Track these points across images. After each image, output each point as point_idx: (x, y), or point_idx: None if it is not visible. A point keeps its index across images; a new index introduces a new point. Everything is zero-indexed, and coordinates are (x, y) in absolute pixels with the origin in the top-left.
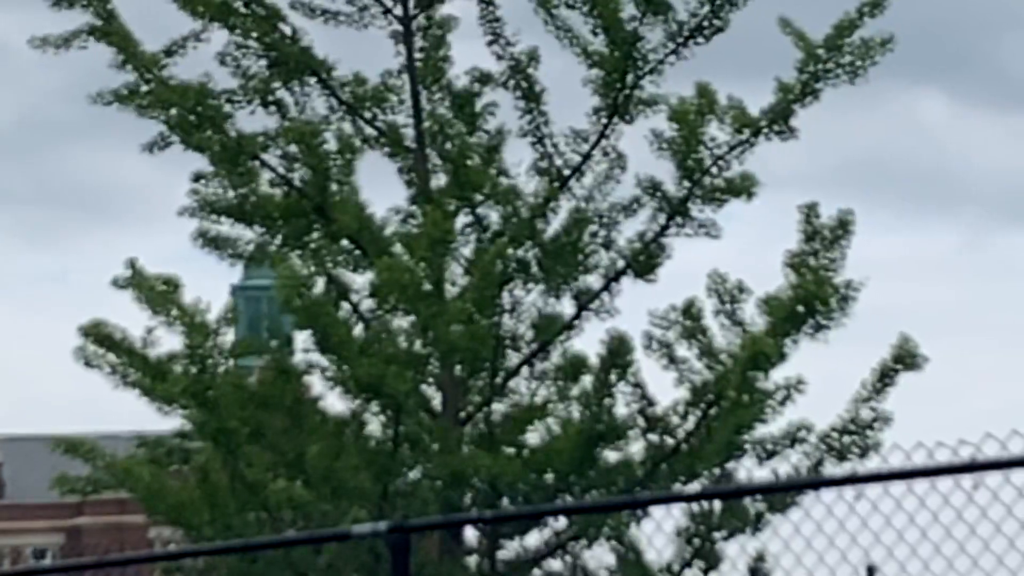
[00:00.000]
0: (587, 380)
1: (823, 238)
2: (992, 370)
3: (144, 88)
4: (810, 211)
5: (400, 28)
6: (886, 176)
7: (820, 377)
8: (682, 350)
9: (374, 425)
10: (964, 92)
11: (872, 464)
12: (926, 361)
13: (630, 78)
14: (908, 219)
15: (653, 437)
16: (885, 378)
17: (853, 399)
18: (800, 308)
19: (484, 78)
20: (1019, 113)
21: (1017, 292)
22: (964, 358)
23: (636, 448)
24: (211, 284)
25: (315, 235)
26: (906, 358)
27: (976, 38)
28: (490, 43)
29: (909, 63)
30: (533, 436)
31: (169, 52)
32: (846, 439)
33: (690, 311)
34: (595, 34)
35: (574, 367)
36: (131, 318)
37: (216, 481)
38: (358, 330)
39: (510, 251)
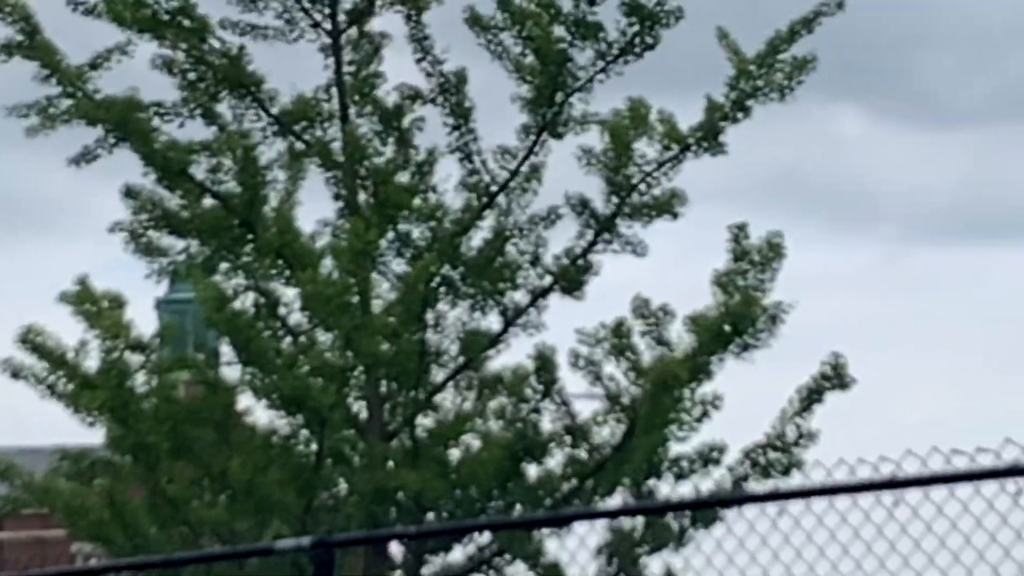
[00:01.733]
0: (513, 396)
1: (752, 260)
2: (911, 386)
3: (68, 102)
4: (739, 231)
5: (329, 42)
6: (807, 191)
7: (745, 393)
8: (610, 367)
9: (298, 439)
10: (881, 109)
11: (795, 481)
12: (854, 381)
13: (559, 96)
14: (828, 234)
15: (577, 453)
16: (813, 395)
17: (779, 416)
18: (727, 327)
19: (413, 94)
20: (935, 130)
21: (934, 308)
22: (884, 374)
23: (560, 464)
24: (134, 297)
25: (244, 248)
26: (835, 377)
27: (892, 56)
28: (419, 60)
29: (827, 79)
30: (458, 451)
31: (94, 65)
32: (771, 455)
33: (619, 329)
34: (524, 53)
35: (500, 382)
36: (58, 330)
37: (134, 496)
38: (287, 343)
39: (436, 267)
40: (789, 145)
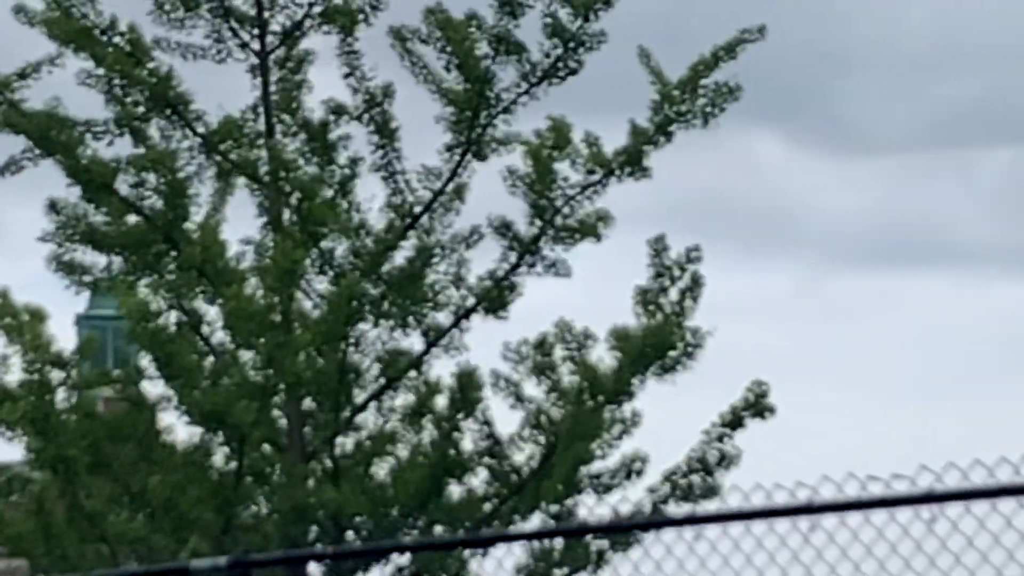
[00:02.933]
0: (435, 416)
1: (672, 275)
2: (827, 412)
3: None
4: (658, 244)
5: (257, 62)
6: (726, 217)
7: (664, 416)
8: (530, 388)
9: (218, 457)
10: (800, 135)
11: (712, 505)
12: (774, 410)
13: (483, 116)
14: (747, 260)
15: (498, 473)
16: (734, 422)
17: (700, 439)
18: (648, 350)
19: (338, 110)
20: (853, 157)
21: (850, 334)
22: (801, 400)
23: (481, 484)
24: (54, 313)
25: (166, 265)
26: (756, 405)
27: (812, 82)
28: (346, 76)
29: (747, 105)
30: (379, 471)
31: (23, 75)
32: (692, 478)
33: (543, 345)
34: (448, 71)
35: (423, 401)
36: None
37: (53, 512)
38: (209, 360)
39: (358, 286)
40: (709, 170)
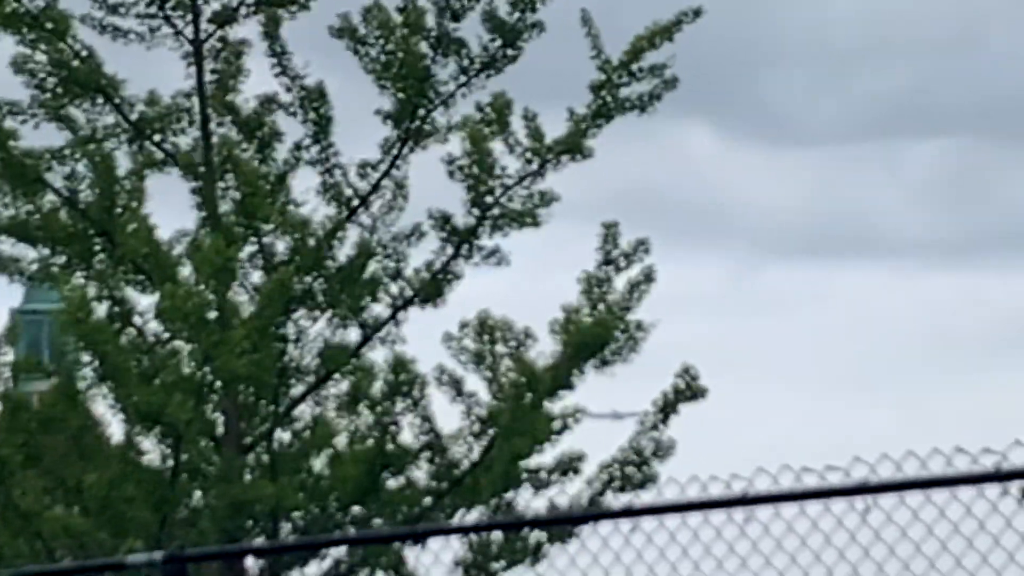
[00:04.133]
0: (371, 402)
1: (618, 265)
2: (760, 404)
3: None
4: (609, 230)
5: (191, 49)
6: (658, 208)
7: (603, 408)
8: (471, 382)
9: (154, 453)
10: (730, 127)
11: (648, 496)
12: (706, 392)
13: (421, 110)
14: (679, 251)
15: (438, 466)
16: (667, 408)
17: (635, 430)
18: (589, 341)
19: (274, 104)
20: (782, 149)
21: (782, 327)
22: (736, 392)
23: (421, 477)
24: None
25: (100, 257)
26: (687, 389)
27: (742, 73)
28: (278, 74)
29: (678, 96)
30: (317, 465)
31: None
32: (628, 470)
33: (483, 326)
34: (388, 65)
35: (359, 387)
36: None
37: None
38: (143, 355)
39: (296, 280)
40: (641, 161)
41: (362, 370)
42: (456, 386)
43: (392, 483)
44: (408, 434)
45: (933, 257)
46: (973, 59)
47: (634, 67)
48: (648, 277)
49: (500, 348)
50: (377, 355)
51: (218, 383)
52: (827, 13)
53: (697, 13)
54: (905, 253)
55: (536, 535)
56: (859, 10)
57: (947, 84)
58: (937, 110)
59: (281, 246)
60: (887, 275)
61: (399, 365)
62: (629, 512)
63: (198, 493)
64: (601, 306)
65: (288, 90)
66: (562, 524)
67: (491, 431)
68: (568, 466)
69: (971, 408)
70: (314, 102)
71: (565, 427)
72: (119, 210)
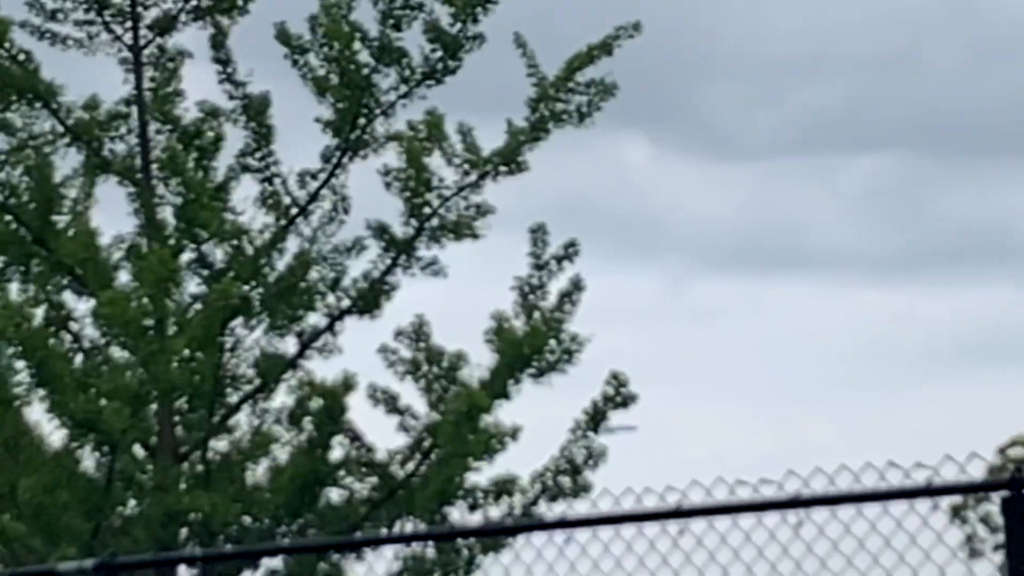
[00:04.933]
0: (308, 421)
1: (550, 269)
2: (695, 417)
3: None
4: (537, 234)
5: (130, 55)
6: (594, 220)
7: (534, 421)
8: (406, 396)
9: (89, 461)
10: (666, 139)
11: (582, 508)
12: (636, 398)
13: (362, 120)
14: (616, 264)
15: (373, 480)
16: (597, 415)
17: (567, 439)
18: (525, 351)
19: (214, 112)
20: (718, 162)
21: (717, 340)
22: (670, 405)
23: (356, 490)
24: None
25: (36, 264)
26: (617, 396)
27: (678, 86)
28: (221, 81)
29: (614, 107)
30: (252, 475)
31: None
32: (560, 479)
33: (419, 332)
34: (329, 76)
35: (302, 403)
36: None
37: None
38: (79, 360)
39: (235, 289)
40: (577, 172)
41: (310, 384)
42: (391, 402)
43: (329, 496)
44: (342, 448)
45: (868, 271)
46: (910, 75)
47: (571, 83)
48: (577, 286)
49: (435, 370)
50: (316, 366)
51: (155, 392)
52: (764, 27)
53: (636, 28)
54: (840, 267)
55: (469, 546)
56: (796, 24)
57: (884, 99)
58: (874, 125)
59: (220, 254)
60: (822, 289)
61: (339, 388)
62: (563, 523)
63: (133, 502)
64: (536, 315)
65: (231, 98)
66: (496, 535)
67: (427, 444)
68: (502, 488)
69: (904, 423)
70: (256, 110)
71: (503, 445)
72: (55, 216)
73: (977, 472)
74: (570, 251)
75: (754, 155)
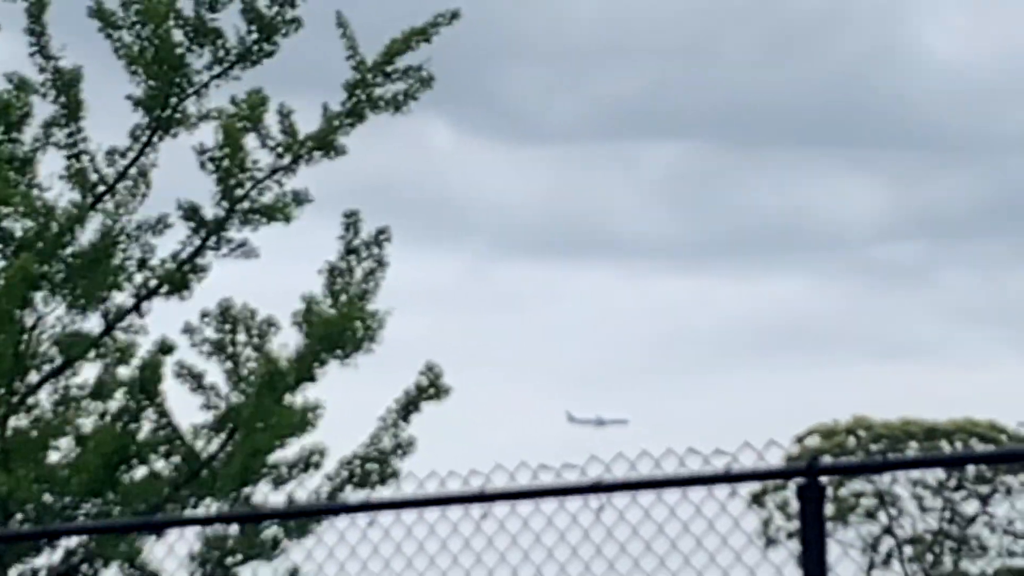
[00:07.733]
0: (121, 393)
1: (360, 255)
2: (499, 401)
3: None
4: (350, 219)
5: None
6: (398, 203)
7: (340, 403)
8: (212, 375)
9: None
10: (468, 122)
11: (387, 491)
12: (449, 390)
13: (173, 99)
14: (419, 247)
15: (178, 459)
16: (410, 406)
17: (376, 426)
18: (331, 333)
19: (22, 84)
20: (520, 146)
21: (518, 324)
22: (473, 389)
23: (160, 469)
24: None
25: None
26: (431, 387)
27: (481, 69)
28: (32, 54)
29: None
30: (55, 455)
31: None
32: (368, 466)
33: (225, 315)
34: (142, 52)
35: (100, 385)
36: None
37: None
38: None
39: (36, 266)
40: (383, 154)
41: (120, 351)
42: (196, 379)
43: (133, 475)
44: (148, 426)
45: (667, 259)
46: (708, 65)
47: (389, 68)
48: (380, 263)
49: (242, 338)
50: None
51: None
52: (566, 14)
53: (455, 16)
54: (639, 254)
55: (273, 529)
56: (598, 13)
57: (683, 88)
58: (673, 114)
59: (20, 230)
60: (622, 275)
61: (147, 370)
62: (368, 506)
63: None
64: (343, 297)
65: (41, 71)
66: (301, 517)
67: (232, 424)
68: (309, 461)
69: (703, 409)
70: (67, 84)
71: (307, 423)
72: None
73: (775, 459)
74: (381, 238)
75: (555, 140)
